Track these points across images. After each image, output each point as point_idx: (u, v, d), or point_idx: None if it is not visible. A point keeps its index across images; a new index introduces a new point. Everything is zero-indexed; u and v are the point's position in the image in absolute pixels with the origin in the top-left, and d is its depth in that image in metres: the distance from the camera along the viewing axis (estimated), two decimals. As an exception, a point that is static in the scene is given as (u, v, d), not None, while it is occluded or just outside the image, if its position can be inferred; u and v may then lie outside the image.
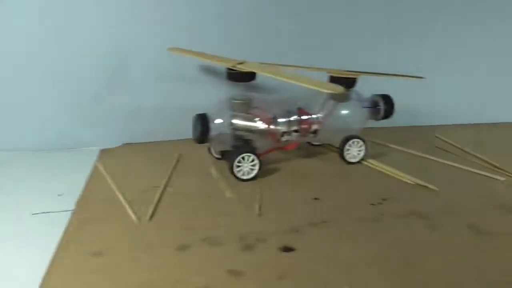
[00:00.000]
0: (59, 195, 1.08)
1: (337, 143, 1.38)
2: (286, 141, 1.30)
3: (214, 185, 1.16)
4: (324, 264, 0.80)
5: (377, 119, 1.40)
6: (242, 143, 1.26)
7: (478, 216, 1.00)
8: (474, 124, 1.81)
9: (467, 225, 0.95)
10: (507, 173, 1.28)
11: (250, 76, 1.23)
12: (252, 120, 1.26)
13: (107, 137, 1.47)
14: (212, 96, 1.34)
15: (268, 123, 1.26)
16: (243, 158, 1.21)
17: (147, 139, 1.51)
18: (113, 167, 1.25)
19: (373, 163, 1.33)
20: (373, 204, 1.05)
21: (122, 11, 1.38)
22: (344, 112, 1.34)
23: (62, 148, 1.41)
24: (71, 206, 1.01)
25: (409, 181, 1.20)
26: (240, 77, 1.23)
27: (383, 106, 1.37)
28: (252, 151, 1.23)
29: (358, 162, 1.36)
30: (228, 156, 1.27)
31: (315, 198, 1.08)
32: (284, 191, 1.13)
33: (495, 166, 1.32)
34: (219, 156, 1.37)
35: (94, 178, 1.19)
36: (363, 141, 1.36)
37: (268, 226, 0.94)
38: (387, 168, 1.29)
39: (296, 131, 1.30)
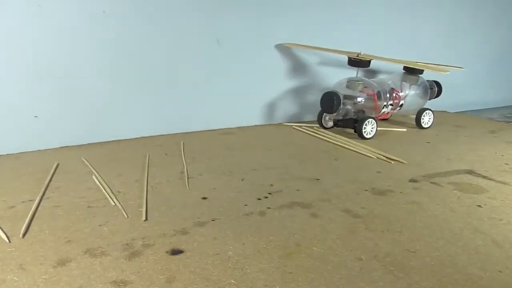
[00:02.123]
0: None
1: (408, 114, 1.90)
2: (383, 112, 1.77)
3: (97, 193, 1.09)
4: (213, 263, 0.80)
5: (430, 99, 1.91)
6: (361, 113, 1.71)
7: (353, 201, 1.09)
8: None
9: (343, 210, 1.03)
10: (383, 159, 1.41)
11: (367, 63, 1.70)
12: (364, 96, 1.70)
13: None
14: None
15: (376, 99, 1.69)
16: (367, 123, 1.64)
17: (19, 150, 1.39)
18: (-23, 183, 1.12)
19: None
20: (259, 199, 1.08)
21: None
22: (416, 92, 1.86)
23: None
24: None
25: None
26: (360, 63, 1.70)
27: (436, 88, 1.91)
28: (372, 117, 1.67)
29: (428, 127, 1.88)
30: (348, 124, 1.71)
31: (204, 198, 1.08)
32: (172, 193, 1.11)
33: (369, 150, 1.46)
34: (330, 126, 1.80)
35: (-48, 197, 1.05)
36: (433, 112, 1.88)
37: (155, 231, 0.91)
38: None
39: (391, 104, 1.77)
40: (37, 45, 1.35)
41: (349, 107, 1.69)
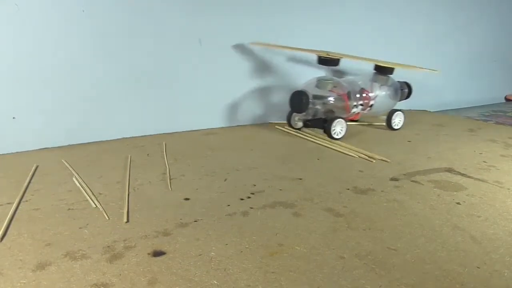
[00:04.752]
0: None
1: (378, 115, 1.87)
2: (353, 112, 1.74)
3: (77, 195, 1.08)
4: (195, 264, 0.80)
5: (400, 100, 1.86)
6: (330, 113, 1.66)
7: (335, 200, 1.09)
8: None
9: (325, 209, 1.04)
10: (366, 158, 1.43)
11: (337, 62, 1.66)
12: (334, 96, 1.66)
13: None
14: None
15: (346, 99, 1.66)
16: (336, 123, 1.61)
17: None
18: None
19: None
20: (242, 199, 1.08)
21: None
22: (387, 92, 1.81)
23: None
24: None
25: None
26: (329, 62, 1.66)
27: (407, 89, 1.86)
28: (341, 117, 1.64)
29: (399, 128, 1.85)
30: (317, 124, 1.67)
31: (186, 199, 1.08)
32: (154, 194, 1.10)
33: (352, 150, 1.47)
34: (299, 126, 1.75)
35: None
36: (403, 113, 1.85)
37: (137, 232, 0.90)
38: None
39: (361, 105, 1.73)
40: (15, 45, 1.33)
41: (318, 107, 1.65)
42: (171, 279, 0.75)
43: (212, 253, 0.84)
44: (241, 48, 1.76)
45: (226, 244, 0.87)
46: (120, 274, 0.76)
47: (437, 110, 2.38)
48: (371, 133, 1.79)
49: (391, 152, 1.50)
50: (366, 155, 1.44)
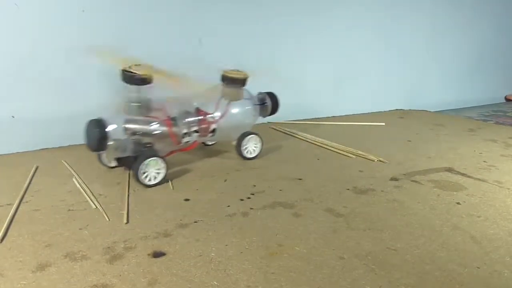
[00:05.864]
0: None
1: (230, 141, 1.41)
2: (187, 142, 1.27)
3: (77, 196, 1.08)
4: (195, 265, 0.80)
5: (264, 116, 1.46)
6: (144, 148, 1.17)
7: (335, 200, 1.09)
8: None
9: (325, 210, 1.04)
10: (361, 157, 1.43)
11: (143, 80, 1.16)
12: (151, 123, 1.18)
13: None
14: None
15: (169, 125, 1.20)
16: (148, 163, 1.14)
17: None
18: (-47, 187, 1.09)
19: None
20: (242, 200, 1.08)
21: None
22: (238, 110, 1.36)
23: None
24: None
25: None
26: (133, 80, 1.15)
27: (270, 103, 1.43)
28: (156, 155, 1.16)
29: (255, 157, 1.41)
30: (129, 163, 1.18)
31: (186, 199, 1.08)
32: (154, 195, 1.10)
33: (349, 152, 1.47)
34: (113, 165, 1.25)
35: None
36: (259, 136, 1.40)
37: (137, 233, 0.90)
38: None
39: (196, 131, 1.27)
40: (15, 45, 1.33)
41: (139, 138, 1.17)
42: (171, 280, 0.75)
43: (212, 254, 0.84)
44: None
45: (226, 245, 0.87)
46: (120, 275, 0.76)
47: (437, 110, 2.38)
48: (371, 133, 1.79)
49: (391, 152, 1.50)
50: (366, 157, 1.44)
